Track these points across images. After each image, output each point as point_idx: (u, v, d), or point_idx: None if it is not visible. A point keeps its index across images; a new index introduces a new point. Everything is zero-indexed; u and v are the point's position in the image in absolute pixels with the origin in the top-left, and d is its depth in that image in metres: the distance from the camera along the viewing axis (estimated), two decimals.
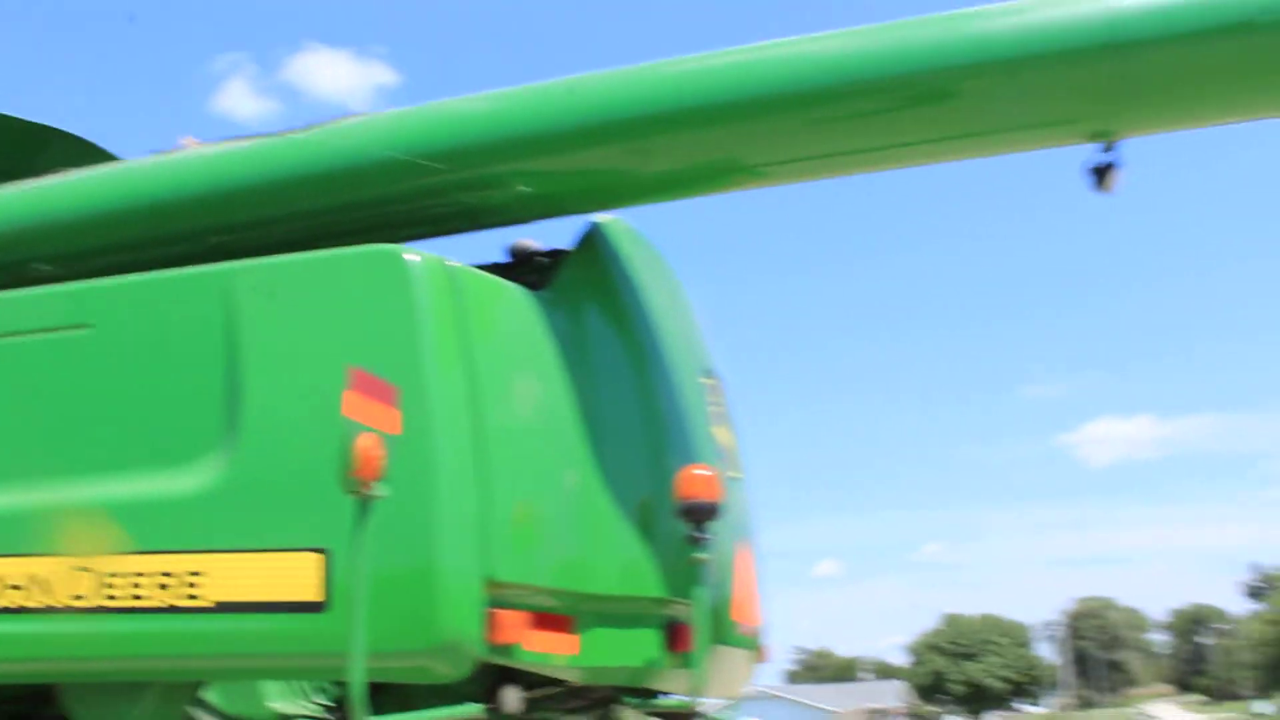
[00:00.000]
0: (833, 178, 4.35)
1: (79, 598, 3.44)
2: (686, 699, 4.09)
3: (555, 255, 4.38)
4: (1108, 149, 3.73)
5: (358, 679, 3.07)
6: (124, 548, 3.43)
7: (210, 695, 4.04)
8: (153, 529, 3.43)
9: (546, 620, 3.51)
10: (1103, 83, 3.53)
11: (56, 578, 3.47)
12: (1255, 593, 74.90)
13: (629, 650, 3.84)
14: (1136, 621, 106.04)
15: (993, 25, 3.60)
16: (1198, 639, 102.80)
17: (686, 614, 3.86)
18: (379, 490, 3.10)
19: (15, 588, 3.51)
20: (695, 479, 3.72)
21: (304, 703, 4.39)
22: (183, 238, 4.34)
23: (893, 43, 3.70)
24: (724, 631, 4.09)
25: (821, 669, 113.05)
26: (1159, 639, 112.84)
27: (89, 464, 3.59)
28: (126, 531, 3.45)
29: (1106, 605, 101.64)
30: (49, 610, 3.47)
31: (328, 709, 4.44)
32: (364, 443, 3.09)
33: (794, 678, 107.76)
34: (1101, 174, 3.74)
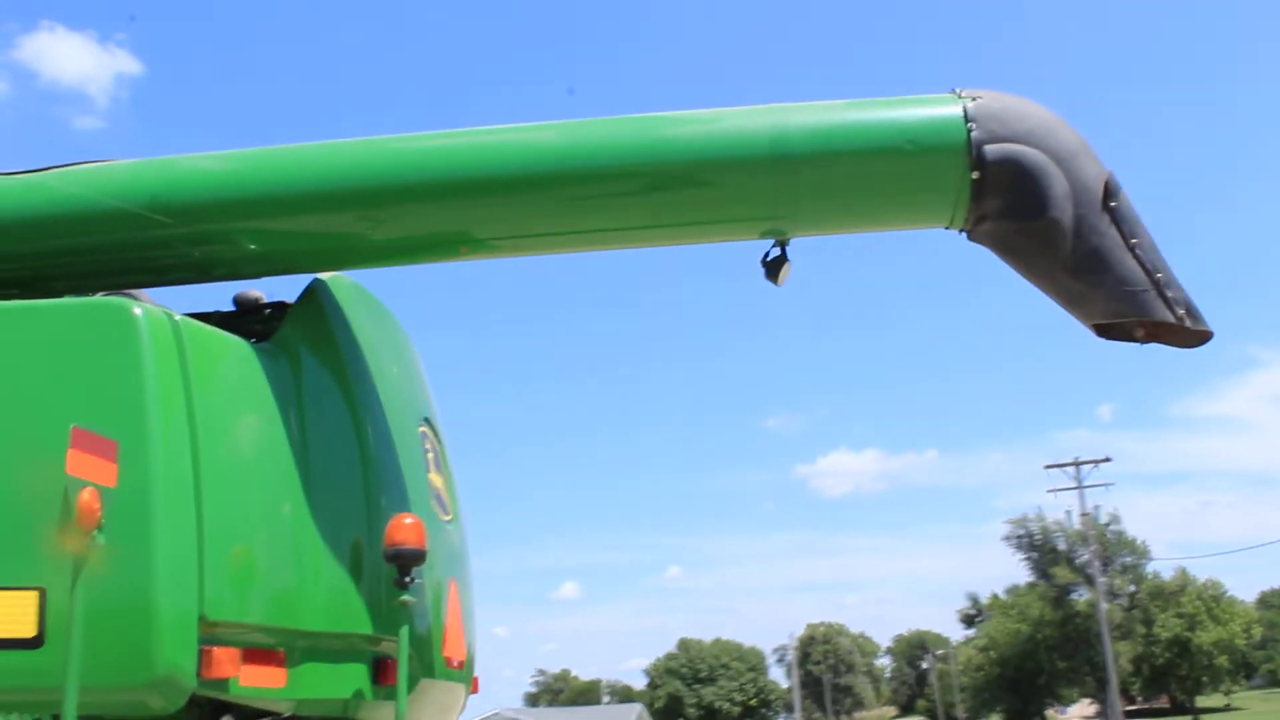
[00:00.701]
0: (555, 254, 4.81)
1: None
2: None
3: (279, 307, 4.65)
4: (779, 245, 4.29)
5: (69, 714, 3.24)
6: None
7: None
8: None
9: (258, 655, 3.76)
10: (769, 190, 4.09)
11: None
12: (969, 620, 79.78)
13: (338, 683, 4.12)
14: (865, 646, 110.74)
15: (682, 131, 4.12)
16: (921, 664, 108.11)
17: (392, 649, 4.18)
18: (98, 540, 3.31)
19: None
20: (402, 526, 4.05)
21: None
22: None
23: (601, 137, 4.16)
24: (433, 665, 4.42)
25: (561, 691, 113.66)
26: (885, 663, 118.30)
27: None
28: None
29: (837, 631, 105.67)
30: None
31: None
32: (83, 497, 3.30)
33: (534, 700, 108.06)
34: (773, 267, 4.28)
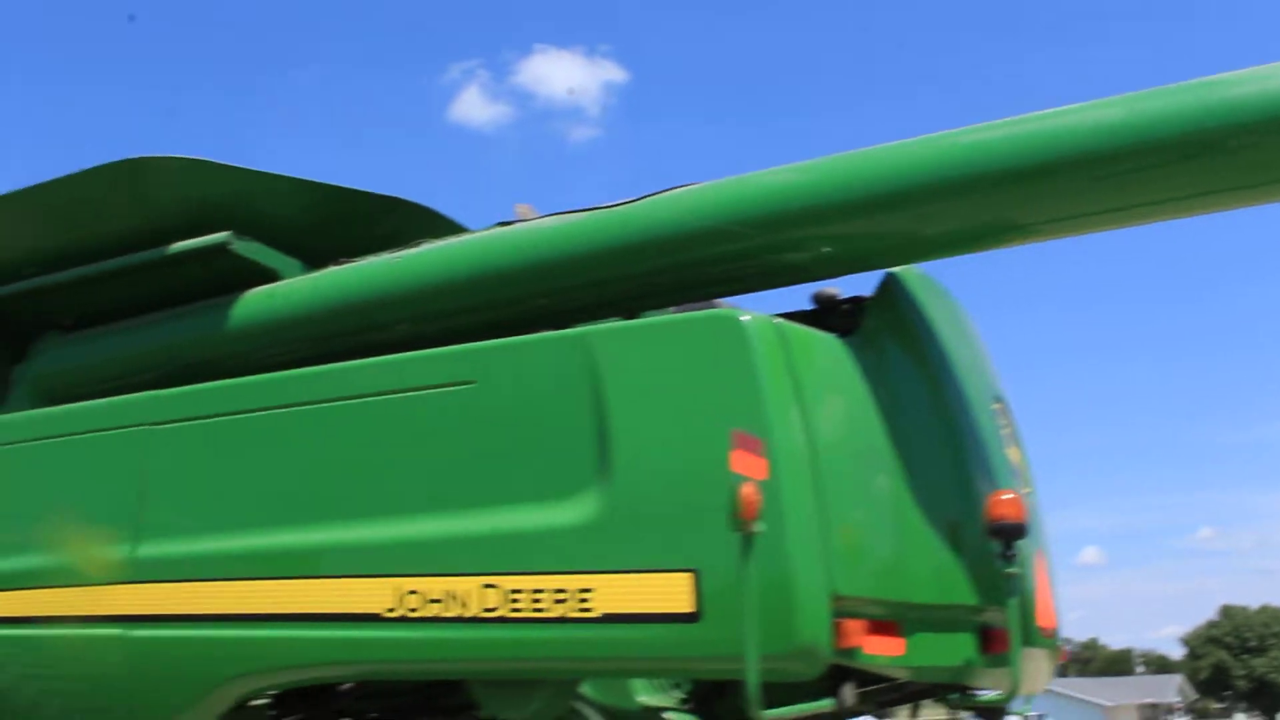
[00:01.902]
0: (1090, 233, 4.77)
1: (488, 610, 4.19)
2: (999, 695, 4.57)
3: (856, 302, 4.94)
4: None
5: (753, 679, 3.72)
6: (522, 569, 4.16)
7: (587, 689, 4.78)
8: (547, 553, 4.14)
9: (878, 627, 4.08)
10: None
11: (469, 593, 4.23)
12: None
13: (949, 652, 4.37)
14: None
15: (1244, 91, 3.97)
16: None
17: (997, 619, 4.37)
18: (758, 527, 3.74)
19: (435, 601, 4.28)
20: (1003, 503, 4.23)
21: (664, 697, 5.10)
22: (517, 301, 5.09)
23: (1162, 106, 4.09)
24: (1031, 634, 4.57)
25: (1090, 660, 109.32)
26: None
27: (484, 499, 4.33)
28: (523, 555, 4.18)
29: None
30: (463, 620, 4.23)
31: (683, 702, 5.14)
32: (747, 490, 3.74)
33: (1062, 670, 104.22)
34: None
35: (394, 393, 4.63)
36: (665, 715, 4.89)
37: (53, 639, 5.27)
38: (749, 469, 3.85)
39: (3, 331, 6.50)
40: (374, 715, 5.39)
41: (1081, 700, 67.20)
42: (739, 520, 3.74)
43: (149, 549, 5.02)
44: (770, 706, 4.96)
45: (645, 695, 5.00)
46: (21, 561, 5.44)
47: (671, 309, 5.09)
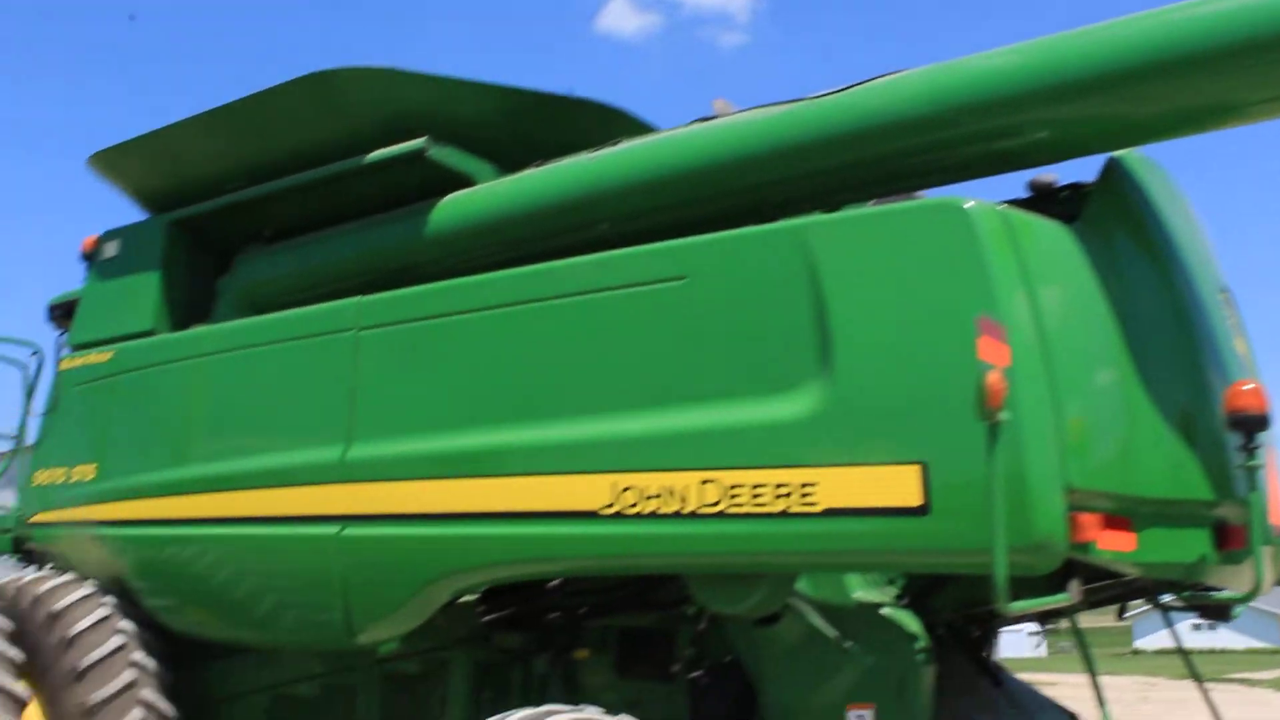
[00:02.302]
0: None
1: (707, 505, 4.18)
2: (1233, 594, 4.41)
3: (1076, 189, 4.74)
4: None
5: (1000, 572, 3.63)
6: (745, 463, 4.13)
7: (802, 585, 4.77)
8: (767, 448, 4.10)
9: (1111, 521, 3.94)
10: None
11: (687, 488, 4.22)
12: None
13: (1181, 548, 4.22)
14: None
15: None
16: None
17: (1233, 514, 4.20)
18: (1004, 416, 3.63)
19: (652, 496, 4.28)
20: (1244, 393, 4.04)
21: (879, 592, 5.06)
22: (717, 197, 5.02)
23: None
24: (1267, 531, 4.39)
25: None
26: None
27: (701, 394, 4.30)
28: (743, 450, 4.15)
29: None
30: (680, 515, 4.22)
31: (898, 597, 5.10)
32: (994, 378, 3.63)
33: None
34: None
35: (604, 290, 4.62)
36: (881, 611, 4.84)
37: (265, 539, 5.45)
38: (993, 356, 3.73)
39: (206, 245, 6.69)
40: (583, 611, 5.46)
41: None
42: (985, 410, 3.64)
43: (362, 450, 5.14)
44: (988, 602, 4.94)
45: (861, 590, 4.96)
46: (236, 465, 5.62)
47: (873, 202, 4.97)
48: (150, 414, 6.21)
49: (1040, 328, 3.90)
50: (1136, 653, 40.89)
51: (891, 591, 5.13)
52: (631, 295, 4.58)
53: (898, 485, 3.85)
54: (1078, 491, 3.79)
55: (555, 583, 5.37)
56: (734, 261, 4.40)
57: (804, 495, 4.01)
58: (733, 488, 4.14)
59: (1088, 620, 6.42)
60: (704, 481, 4.19)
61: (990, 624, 5.72)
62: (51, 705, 5.78)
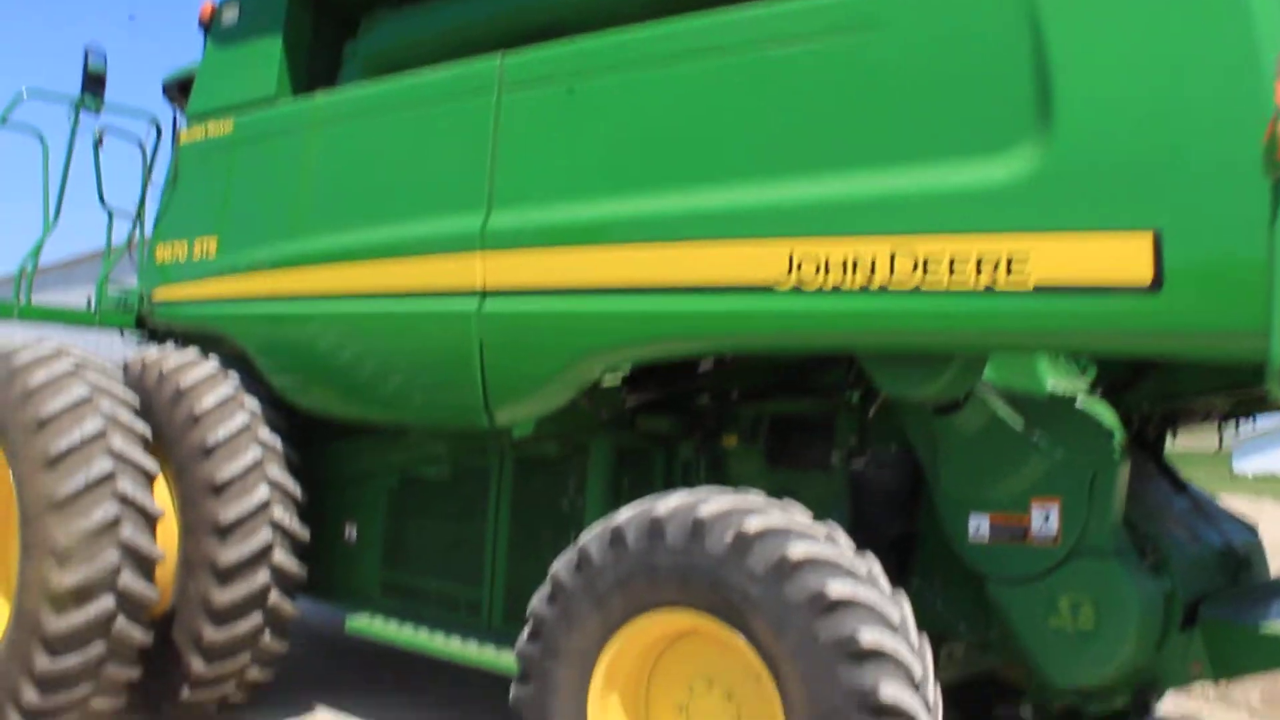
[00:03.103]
0: None
1: (899, 279, 3.77)
2: None
3: None
4: None
5: (1276, 354, 3.18)
6: (940, 231, 3.71)
7: (989, 371, 4.39)
8: (970, 214, 3.66)
9: None
10: None
11: (876, 259, 3.81)
12: None
13: None
14: None
15: None
16: None
17: None
18: None
19: (836, 269, 3.88)
20: None
21: (1073, 382, 4.65)
22: None
23: None
24: None
25: None
26: None
27: (894, 154, 3.85)
28: (941, 217, 3.72)
29: None
30: (867, 290, 3.82)
31: (1090, 387, 4.68)
32: None
33: None
34: None
35: (785, 40, 4.14)
36: (1075, 401, 4.43)
37: (397, 314, 5.17)
38: None
39: (332, 8, 6.28)
40: (735, 395, 5.14)
41: None
42: (1273, 163, 3.15)
43: (504, 218, 4.79)
44: (1205, 391, 4.52)
45: (1054, 379, 4.55)
46: (366, 236, 5.32)
47: None
48: (274, 185, 5.90)
49: None
50: (1236, 477, 40.30)
51: (1083, 381, 4.70)
52: (817, 46, 4.09)
53: (1124, 256, 3.40)
54: None
55: (706, 365, 5.05)
56: (938, 5, 3.89)
57: (1012, 268, 3.58)
58: (928, 259, 3.73)
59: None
60: (895, 252, 3.79)
61: (1174, 422, 5.33)
62: (179, 481, 5.68)
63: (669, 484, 5.40)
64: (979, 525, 4.39)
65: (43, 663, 5.04)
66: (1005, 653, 4.63)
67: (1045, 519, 4.27)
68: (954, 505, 4.45)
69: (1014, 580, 4.30)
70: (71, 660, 5.07)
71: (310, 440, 6.17)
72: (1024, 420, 4.35)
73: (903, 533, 4.71)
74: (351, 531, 6.37)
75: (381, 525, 6.24)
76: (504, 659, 5.11)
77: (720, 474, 5.26)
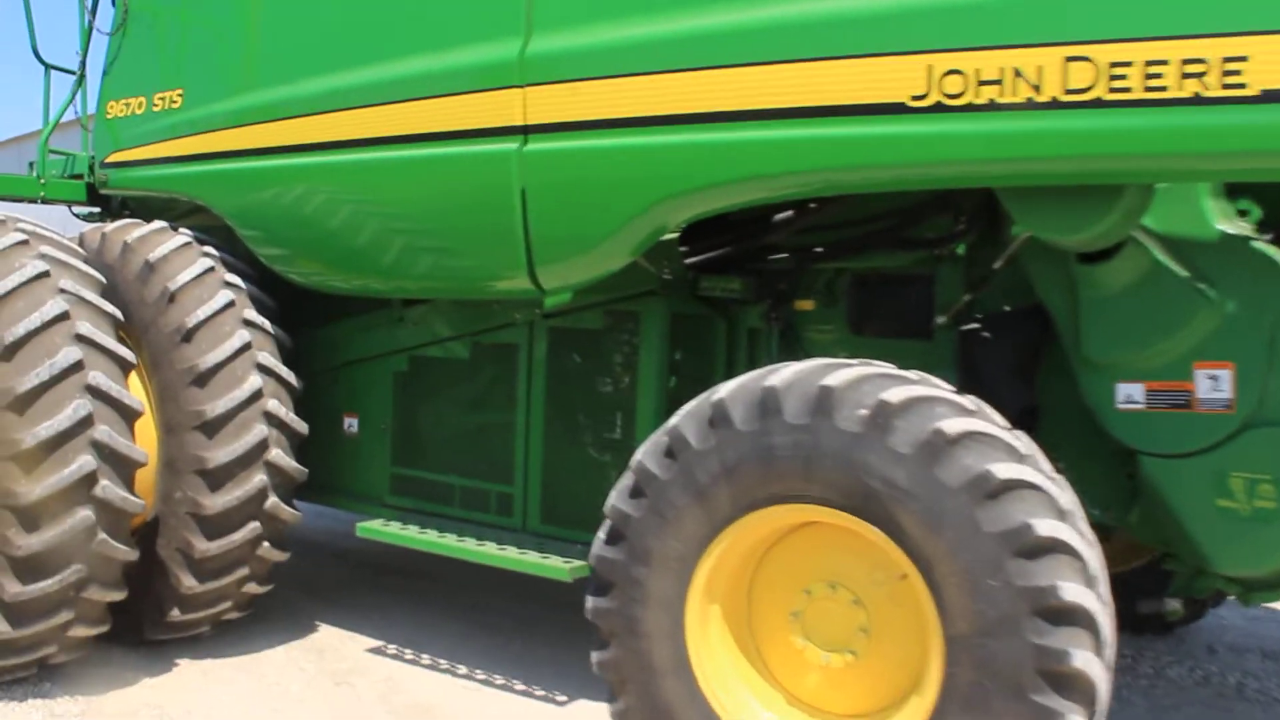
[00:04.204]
0: None
1: (1074, 90, 3.05)
2: None
3: None
4: None
5: None
6: (1131, 34, 2.98)
7: (1147, 217, 3.68)
8: (1168, 9, 2.94)
9: None
10: None
11: (1045, 69, 3.07)
12: None
13: None
14: None
15: None
16: None
17: None
18: None
19: (990, 82, 3.15)
20: None
21: (1240, 224, 3.92)
22: None
23: None
24: None
25: None
26: None
27: None
28: (1133, 14, 2.99)
29: None
30: (1032, 106, 3.10)
31: (1258, 227, 3.95)
32: None
33: None
34: None
35: None
36: (1251, 245, 3.72)
37: (416, 161, 4.36)
38: None
39: None
40: (819, 250, 4.39)
41: None
42: None
43: (547, 41, 3.99)
44: None
45: (1223, 221, 3.82)
46: (376, 73, 4.48)
47: None
48: (256, 18, 5.01)
49: None
50: None
51: (1247, 225, 3.96)
52: None
53: None
54: None
55: (783, 216, 4.31)
56: None
57: (1228, 73, 2.87)
58: (1116, 65, 3.00)
59: None
60: (1071, 59, 3.05)
61: None
62: (155, 370, 4.87)
63: (731, 358, 4.69)
64: (1131, 392, 3.73)
65: (12, 588, 4.28)
66: (1152, 538, 4.01)
67: (1214, 383, 3.62)
68: (1098, 371, 3.79)
69: (1174, 455, 3.66)
70: (45, 584, 4.30)
71: (304, 322, 5.39)
72: (1190, 268, 3.67)
73: (1027, 406, 4.05)
74: (352, 424, 5.60)
75: (389, 416, 5.46)
76: (550, 563, 4.44)
77: (794, 343, 4.56)
